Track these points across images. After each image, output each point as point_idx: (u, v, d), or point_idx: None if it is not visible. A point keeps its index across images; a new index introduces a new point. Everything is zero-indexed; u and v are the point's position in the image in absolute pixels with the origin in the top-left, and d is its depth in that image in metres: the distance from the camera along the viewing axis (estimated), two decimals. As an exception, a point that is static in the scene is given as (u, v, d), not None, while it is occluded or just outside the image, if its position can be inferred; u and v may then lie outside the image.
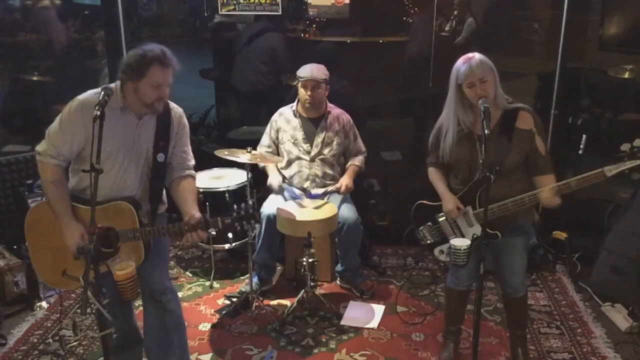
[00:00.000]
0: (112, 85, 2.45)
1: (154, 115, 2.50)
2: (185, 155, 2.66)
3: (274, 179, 3.63)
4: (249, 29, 4.62)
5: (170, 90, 2.44)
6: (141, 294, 2.50)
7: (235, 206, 2.51)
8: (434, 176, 2.80)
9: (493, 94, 2.51)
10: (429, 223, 2.80)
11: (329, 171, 3.71)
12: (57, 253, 2.46)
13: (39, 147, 2.43)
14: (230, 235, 3.74)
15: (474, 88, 2.48)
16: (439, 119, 2.71)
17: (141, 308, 2.67)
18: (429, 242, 2.82)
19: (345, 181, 3.61)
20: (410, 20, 4.48)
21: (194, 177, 2.69)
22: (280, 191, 3.62)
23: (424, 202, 2.82)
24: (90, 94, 2.41)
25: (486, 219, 2.34)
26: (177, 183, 2.63)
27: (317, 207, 3.50)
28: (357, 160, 3.76)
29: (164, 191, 2.72)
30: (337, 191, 3.59)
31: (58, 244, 2.43)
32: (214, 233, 3.64)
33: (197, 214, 2.47)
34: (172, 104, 2.60)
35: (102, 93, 2.22)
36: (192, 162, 2.70)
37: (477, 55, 2.52)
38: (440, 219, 2.75)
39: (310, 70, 3.53)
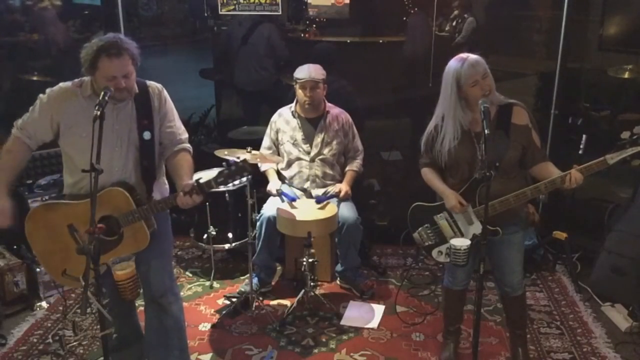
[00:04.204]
0: (86, 77, 2.47)
1: (129, 99, 2.48)
2: (174, 130, 2.60)
3: (272, 185, 3.66)
4: (240, 29, 4.62)
5: (134, 77, 2.41)
6: (143, 295, 2.50)
7: (224, 163, 2.45)
8: (430, 175, 2.76)
9: (494, 88, 2.52)
10: (427, 225, 2.79)
11: (329, 171, 3.71)
12: (57, 254, 2.46)
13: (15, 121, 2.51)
14: (230, 235, 3.74)
15: (478, 85, 2.49)
16: (432, 121, 2.70)
17: (142, 308, 2.67)
18: (426, 244, 2.81)
19: (344, 187, 3.62)
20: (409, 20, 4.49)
21: (187, 150, 2.63)
22: (279, 196, 3.61)
23: (421, 203, 2.82)
24: (60, 85, 2.48)
25: (486, 217, 2.34)
26: (171, 159, 2.59)
27: (317, 208, 3.50)
28: (355, 165, 3.76)
29: (163, 177, 2.71)
30: (337, 195, 3.60)
31: (57, 246, 2.44)
32: (214, 233, 3.68)
33: (190, 181, 2.43)
34: (150, 82, 2.57)
35: (103, 93, 2.24)
36: (184, 135, 2.65)
37: (470, 55, 2.53)
38: (440, 220, 2.75)
39: (307, 71, 3.53)
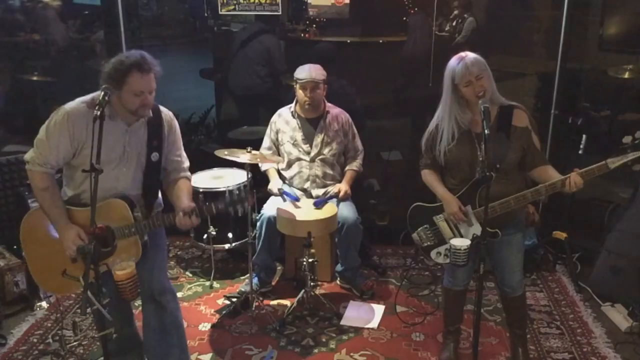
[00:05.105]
0: (97, 93, 2.44)
1: (144, 121, 2.51)
2: (179, 159, 2.70)
3: (273, 185, 3.66)
4: (242, 33, 4.63)
5: (155, 94, 2.43)
6: (140, 294, 2.51)
7: (227, 191, 2.52)
8: (430, 178, 2.77)
9: (490, 89, 2.52)
10: (426, 225, 2.79)
11: (329, 171, 3.70)
12: (56, 256, 2.46)
13: (27, 156, 2.45)
14: (230, 235, 3.74)
15: (471, 86, 2.49)
16: (433, 120, 2.71)
17: (140, 308, 2.67)
18: (425, 245, 2.81)
19: (344, 187, 3.62)
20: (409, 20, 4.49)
21: (188, 179, 2.73)
22: (280, 196, 3.61)
23: (421, 204, 2.82)
24: (77, 103, 2.43)
25: (486, 218, 2.34)
26: (173, 185, 2.67)
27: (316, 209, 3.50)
28: (355, 165, 3.76)
29: (160, 193, 2.73)
30: (336, 195, 3.60)
31: (55, 248, 2.44)
32: (214, 233, 3.68)
33: (191, 204, 2.50)
34: (162, 108, 2.63)
35: (102, 93, 2.24)
36: (186, 164, 2.74)
37: (469, 54, 2.54)
38: (439, 221, 2.75)
39: (308, 72, 3.52)
